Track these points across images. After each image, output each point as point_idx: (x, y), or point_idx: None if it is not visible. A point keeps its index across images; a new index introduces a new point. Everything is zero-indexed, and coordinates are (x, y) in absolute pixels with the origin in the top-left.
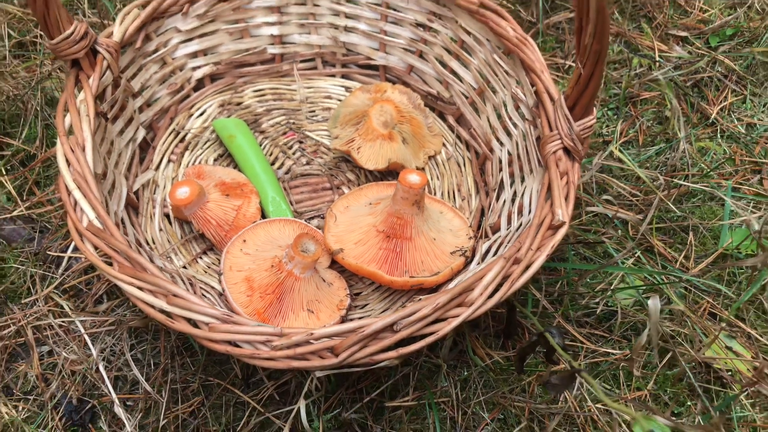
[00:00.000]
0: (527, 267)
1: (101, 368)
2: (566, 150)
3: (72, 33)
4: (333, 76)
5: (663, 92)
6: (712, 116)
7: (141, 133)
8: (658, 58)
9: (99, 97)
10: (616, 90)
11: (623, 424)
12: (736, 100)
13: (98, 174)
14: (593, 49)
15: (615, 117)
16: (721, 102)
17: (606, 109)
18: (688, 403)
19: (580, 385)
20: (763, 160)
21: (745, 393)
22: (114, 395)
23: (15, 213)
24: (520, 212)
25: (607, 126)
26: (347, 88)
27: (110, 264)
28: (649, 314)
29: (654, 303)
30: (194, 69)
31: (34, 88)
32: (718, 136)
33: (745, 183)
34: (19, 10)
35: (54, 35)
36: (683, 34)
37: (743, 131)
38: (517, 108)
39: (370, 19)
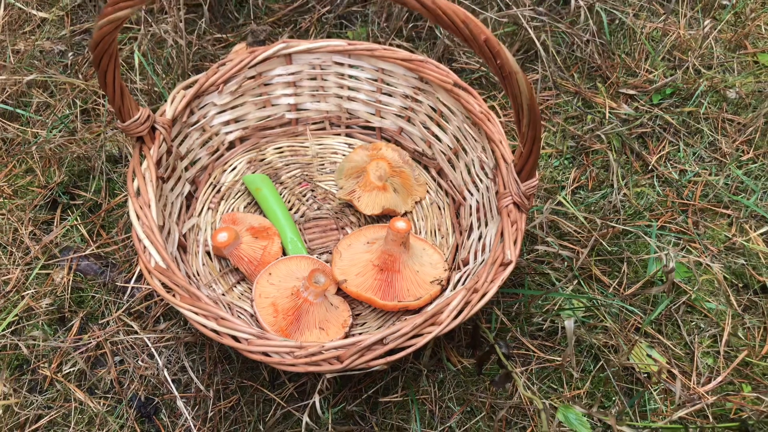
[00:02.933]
0: (483, 295)
1: (166, 373)
2: (516, 204)
3: (138, 117)
4: (338, 135)
5: (609, 145)
6: (651, 164)
7: (187, 188)
8: (608, 115)
9: (157, 163)
10: (572, 143)
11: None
12: (672, 150)
13: (160, 225)
14: (530, 135)
15: (570, 165)
16: (659, 151)
17: (563, 158)
18: (614, 398)
19: (531, 385)
20: (690, 202)
21: (657, 390)
22: (177, 393)
23: (88, 252)
24: (483, 250)
25: (563, 173)
26: (350, 145)
27: (173, 295)
28: (566, 330)
29: (569, 324)
30: (227, 133)
31: (99, 150)
32: (655, 181)
33: (672, 222)
34: (82, 82)
35: (125, 119)
36: (632, 92)
37: (676, 177)
38: (482, 167)
39: (368, 90)
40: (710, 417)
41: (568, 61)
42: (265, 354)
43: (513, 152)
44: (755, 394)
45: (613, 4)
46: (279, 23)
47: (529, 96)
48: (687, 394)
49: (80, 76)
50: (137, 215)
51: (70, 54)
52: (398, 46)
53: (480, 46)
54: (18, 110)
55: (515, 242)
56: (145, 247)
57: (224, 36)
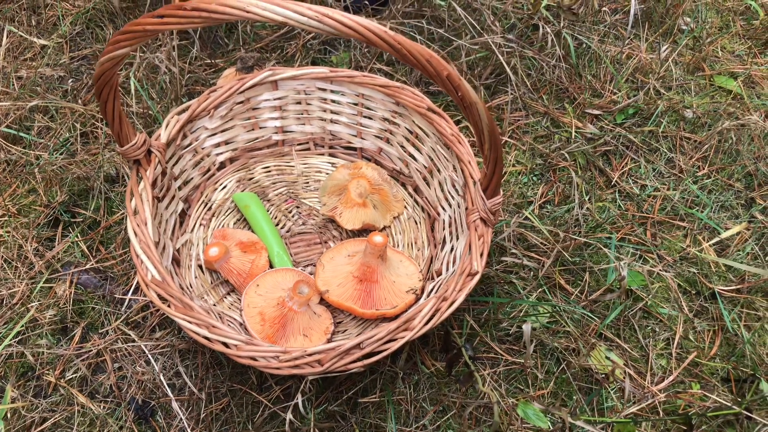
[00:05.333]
0: (452, 303)
1: (162, 378)
2: (482, 219)
3: (136, 142)
4: (322, 155)
5: (575, 162)
6: (614, 180)
7: (180, 206)
8: (574, 134)
9: (153, 184)
10: (540, 161)
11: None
12: (634, 166)
13: (156, 242)
14: (492, 156)
15: (538, 182)
16: (622, 168)
17: (532, 175)
18: (575, 397)
19: (498, 385)
20: (649, 215)
21: (614, 389)
22: (172, 396)
23: (88, 266)
24: (454, 262)
25: (532, 189)
26: (333, 164)
27: (168, 305)
28: (524, 334)
29: (526, 327)
30: (218, 155)
31: (97, 171)
32: (617, 195)
33: (632, 233)
34: (81, 107)
35: (124, 144)
36: (597, 112)
37: (637, 191)
38: (453, 185)
39: (349, 114)
40: (661, 413)
41: (538, 83)
42: (253, 358)
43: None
44: (702, 392)
45: (579, 30)
46: (266, 49)
47: (489, 123)
48: (641, 392)
49: (79, 101)
50: (135, 233)
51: (69, 80)
52: (379, 70)
53: (443, 81)
54: (21, 134)
55: (482, 254)
56: (142, 261)
57: (214, 62)
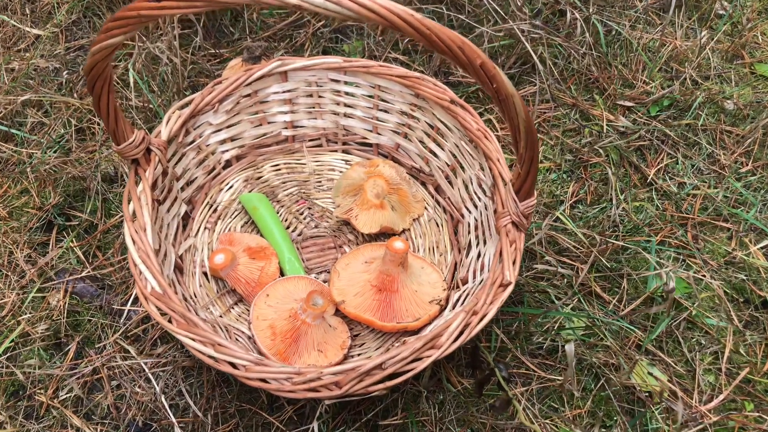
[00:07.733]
0: (483, 317)
1: (163, 399)
2: (514, 223)
3: (134, 140)
4: (335, 151)
5: (607, 158)
6: (650, 177)
7: (183, 208)
8: (606, 127)
9: (153, 186)
10: (570, 156)
11: None
12: (671, 162)
13: (156, 249)
14: (527, 155)
15: (569, 179)
16: (658, 164)
17: (561, 172)
18: (616, 418)
19: (532, 405)
20: (689, 216)
21: (659, 409)
22: (174, 419)
23: (84, 274)
24: (482, 269)
25: (562, 187)
26: (347, 161)
27: (170, 320)
28: (567, 355)
29: (569, 348)
30: (223, 152)
31: (94, 170)
32: (654, 194)
33: (672, 236)
34: (77, 101)
35: (120, 142)
36: (629, 104)
37: (675, 190)
38: (480, 185)
39: (364, 107)
40: None
41: (565, 73)
42: (264, 380)
43: (510, 166)
44: (757, 413)
45: (609, 16)
46: (274, 38)
47: (526, 118)
48: (689, 412)
49: (75, 94)
50: (133, 240)
51: (64, 72)
52: (394, 59)
53: (476, 70)
54: (12, 130)
55: (514, 262)
56: (141, 272)
57: (219, 52)
